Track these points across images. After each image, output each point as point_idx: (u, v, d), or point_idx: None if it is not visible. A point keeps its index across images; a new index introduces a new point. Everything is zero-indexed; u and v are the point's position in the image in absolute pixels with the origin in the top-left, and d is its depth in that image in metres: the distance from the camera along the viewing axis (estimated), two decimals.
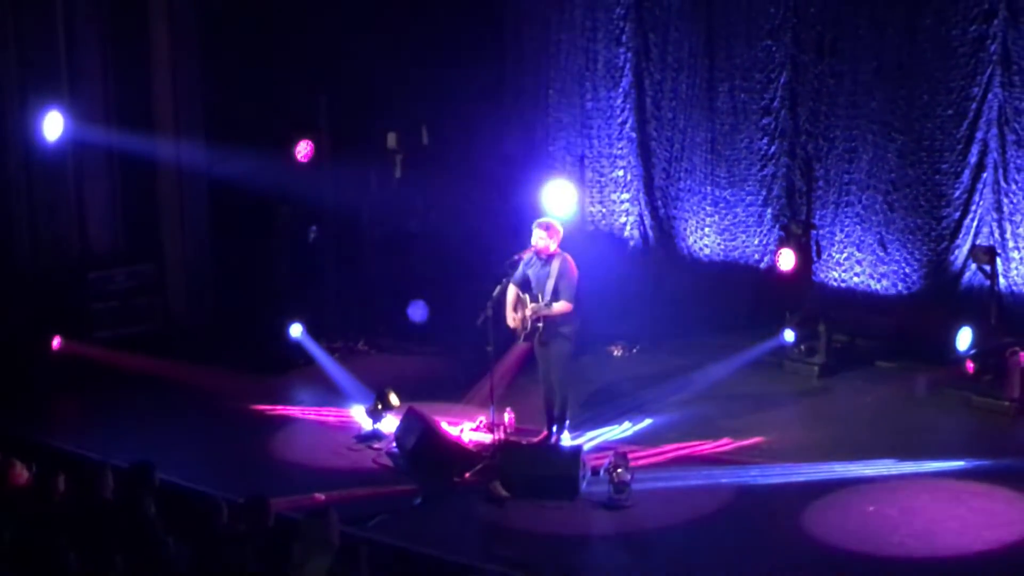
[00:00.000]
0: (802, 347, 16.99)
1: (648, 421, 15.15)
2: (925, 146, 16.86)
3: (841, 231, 17.63)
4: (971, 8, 16.30)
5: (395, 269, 19.39)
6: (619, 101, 19.46)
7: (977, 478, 13.38)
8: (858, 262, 17.52)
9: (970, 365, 15.50)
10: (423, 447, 13.96)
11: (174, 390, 16.46)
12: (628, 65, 19.29)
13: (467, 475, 13.63)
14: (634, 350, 18.01)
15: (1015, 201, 16.29)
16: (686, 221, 19.10)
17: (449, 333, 17.68)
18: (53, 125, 17.45)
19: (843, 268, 17.66)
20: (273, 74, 18.77)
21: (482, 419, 14.77)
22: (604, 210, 19.76)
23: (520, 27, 20.09)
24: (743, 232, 18.54)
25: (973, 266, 16.43)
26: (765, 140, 18.16)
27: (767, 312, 17.46)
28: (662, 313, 18.43)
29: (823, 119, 17.71)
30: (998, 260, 16.14)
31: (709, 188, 18.80)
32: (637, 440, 14.60)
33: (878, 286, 17.40)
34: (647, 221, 19.46)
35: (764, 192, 18.27)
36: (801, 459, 14.03)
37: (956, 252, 16.78)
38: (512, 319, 14.13)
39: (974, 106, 16.44)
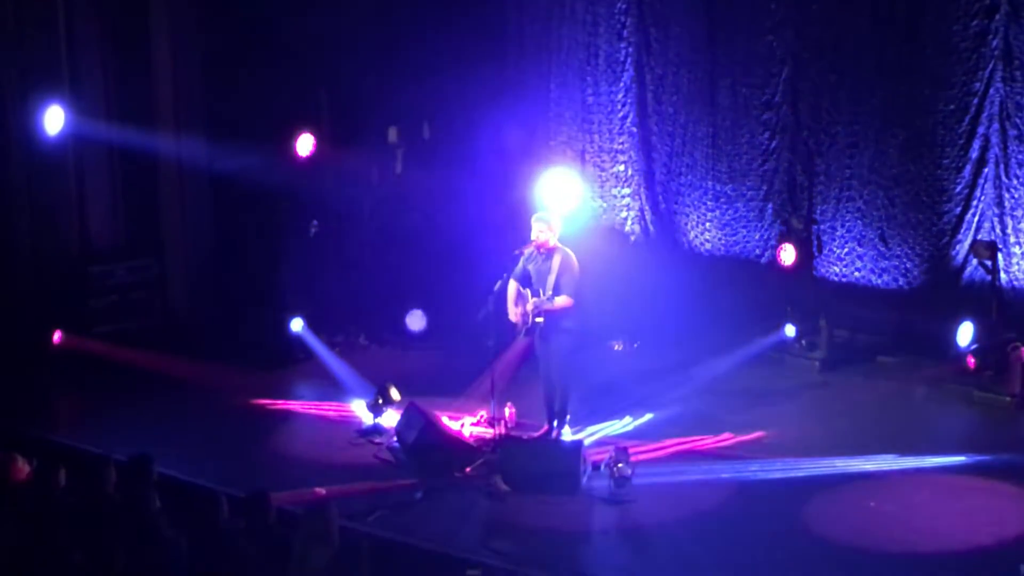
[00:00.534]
0: (803, 342, 17.00)
1: (649, 416, 15.15)
2: (926, 141, 16.85)
3: (842, 226, 17.62)
4: (972, 3, 16.27)
5: (396, 264, 19.37)
6: (620, 96, 19.44)
7: (978, 473, 13.39)
8: (859, 257, 17.52)
9: (971, 360, 15.51)
10: (424, 442, 13.95)
11: (174, 385, 16.45)
12: (629, 60, 19.28)
13: (468, 470, 13.64)
14: (635, 345, 18.02)
15: (1016, 196, 16.28)
16: (687, 216, 19.09)
17: (450, 328, 17.70)
18: (54, 120, 17.45)
19: (844, 263, 17.65)
20: (274, 69, 18.74)
21: (483, 414, 14.79)
22: (605, 205, 19.75)
23: (522, 21, 20.08)
24: (744, 227, 18.53)
25: (974, 261, 16.42)
26: (766, 135, 18.15)
27: (768, 307, 17.45)
28: (663, 308, 18.39)
29: (824, 114, 17.69)
30: (999, 255, 16.13)
31: (710, 183, 18.79)
32: (638, 435, 14.61)
33: (879, 281, 17.40)
34: (648, 216, 19.45)
35: (765, 187, 18.26)
36: (802, 454, 14.04)
37: (957, 247, 16.77)
38: (513, 314, 14.13)
39: (975, 101, 16.43)
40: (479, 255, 17.01)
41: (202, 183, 19.15)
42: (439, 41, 19.43)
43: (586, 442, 13.97)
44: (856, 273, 17.57)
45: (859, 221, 17.47)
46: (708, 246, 18.88)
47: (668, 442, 14.35)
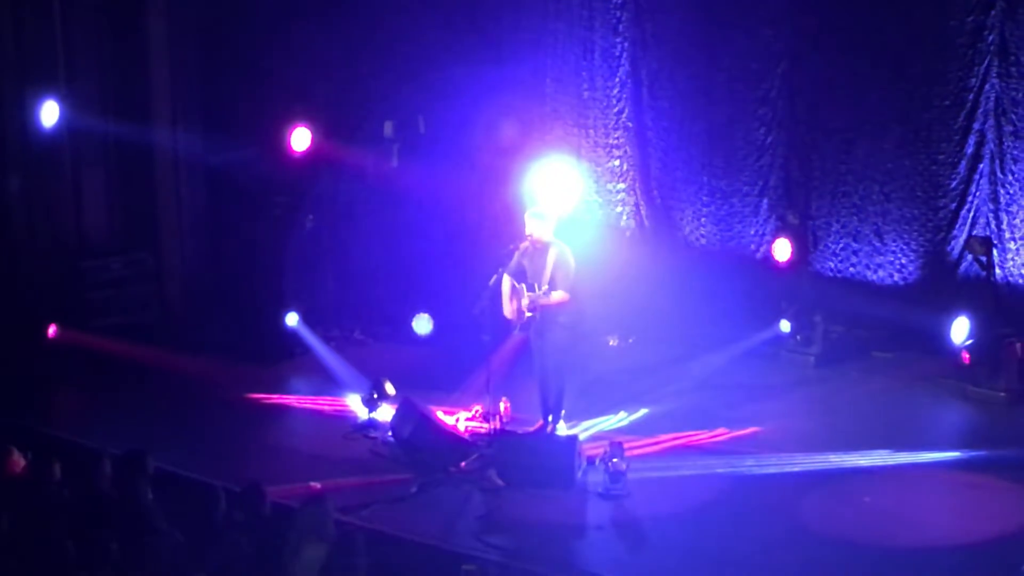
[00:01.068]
0: (798, 337, 17.02)
1: (644, 411, 15.16)
2: (922, 136, 16.85)
3: (838, 221, 17.62)
4: None
5: (392, 259, 19.36)
6: (616, 91, 19.43)
7: (973, 468, 13.42)
8: (854, 252, 17.53)
9: (966, 355, 15.53)
10: (419, 436, 13.96)
11: (170, 379, 16.45)
12: (625, 54, 19.27)
13: (463, 465, 13.64)
14: (630, 340, 18.03)
15: (1011, 192, 16.29)
16: (683, 211, 19.08)
17: (445, 323, 17.71)
18: (49, 114, 17.43)
19: (840, 258, 17.66)
20: (270, 63, 18.73)
21: (478, 409, 14.79)
22: (600, 200, 19.74)
23: (517, 16, 20.05)
24: (740, 222, 18.52)
25: (969, 257, 16.43)
26: (762, 130, 18.15)
27: (763, 302, 17.45)
28: (658, 303, 18.40)
29: (820, 109, 17.69)
30: (994, 251, 16.14)
31: (706, 178, 18.79)
32: (633, 430, 14.63)
33: (874, 276, 17.40)
34: (643, 211, 19.45)
35: (761, 182, 18.26)
36: (797, 449, 14.07)
37: (953, 242, 16.78)
38: (508, 308, 14.13)
39: (971, 97, 16.43)
40: (474, 250, 17.03)
41: (198, 177, 19.14)
42: (435, 35, 19.42)
43: (581, 437, 13.98)
44: (851, 268, 17.58)
45: (854, 216, 17.48)
46: (704, 241, 18.88)
47: (663, 437, 14.37)
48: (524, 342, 14.63)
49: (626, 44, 19.20)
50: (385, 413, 14.89)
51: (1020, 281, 16.29)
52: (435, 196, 18.95)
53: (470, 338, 14.77)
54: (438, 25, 19.44)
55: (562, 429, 14.29)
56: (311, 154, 18.36)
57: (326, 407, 15.74)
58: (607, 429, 14.65)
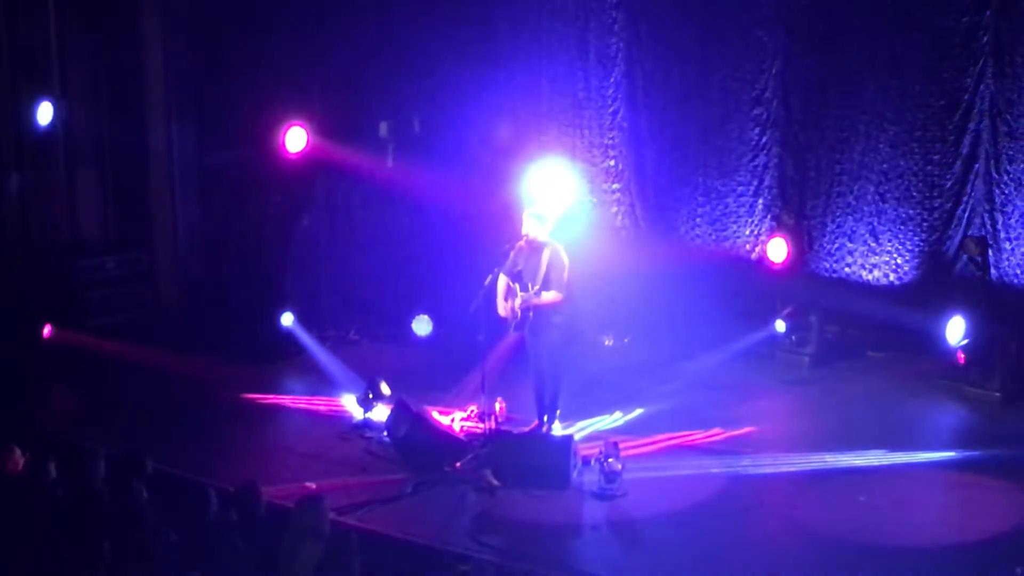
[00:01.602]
0: (793, 337, 17.03)
1: (639, 411, 15.17)
2: (917, 136, 16.87)
3: (833, 221, 17.63)
4: None
5: (387, 259, 19.36)
6: (611, 91, 19.44)
7: (968, 468, 13.43)
8: (850, 252, 17.54)
9: (961, 355, 15.53)
10: (414, 436, 13.96)
11: (165, 378, 16.44)
12: (620, 55, 19.27)
13: (458, 464, 13.63)
14: (625, 340, 18.04)
15: (1007, 192, 16.30)
16: (678, 211, 19.08)
17: (440, 323, 17.72)
18: (44, 114, 17.41)
19: (835, 258, 17.66)
20: (265, 63, 18.72)
21: (473, 408, 14.79)
22: (596, 200, 19.74)
23: (512, 16, 20.04)
24: (734, 222, 18.54)
25: (964, 257, 16.43)
26: (757, 130, 18.16)
27: (759, 302, 17.45)
28: (653, 303, 18.42)
29: (815, 109, 17.71)
30: (989, 251, 16.14)
31: (701, 178, 18.80)
32: (628, 430, 14.63)
33: (870, 276, 17.41)
34: (638, 211, 19.45)
35: (755, 182, 18.27)
36: (792, 449, 14.09)
37: (948, 243, 16.80)
38: (503, 308, 14.12)
39: (966, 97, 16.45)
40: (469, 250, 17.03)
41: (192, 176, 19.13)
42: (430, 36, 19.41)
43: (576, 437, 13.98)
44: (846, 268, 17.59)
45: (849, 216, 17.49)
46: (699, 241, 18.88)
47: (658, 437, 14.37)
48: (519, 342, 14.63)
49: (621, 45, 19.20)
50: (380, 413, 14.90)
51: (1015, 281, 16.31)
52: (430, 196, 18.95)
53: (465, 338, 14.76)
54: (433, 26, 19.43)
55: (557, 429, 14.30)
56: (306, 154, 18.35)
57: (321, 407, 15.74)
58: (602, 429, 14.66)
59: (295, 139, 18.20)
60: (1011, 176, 16.24)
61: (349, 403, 15.44)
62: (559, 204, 16.13)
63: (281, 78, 18.73)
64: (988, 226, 16.45)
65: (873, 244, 17.34)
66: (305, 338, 17.75)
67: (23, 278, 17.65)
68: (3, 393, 15.68)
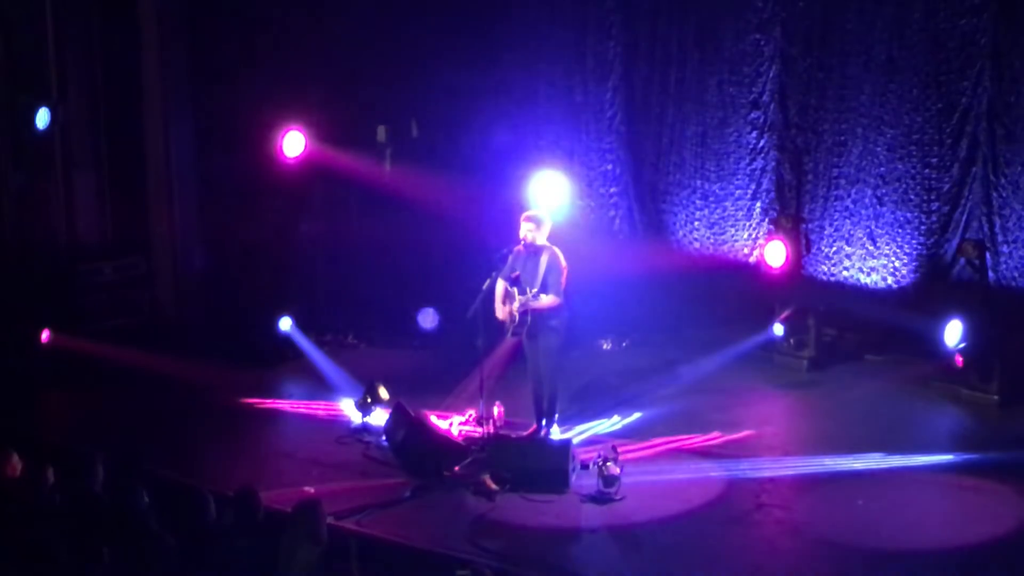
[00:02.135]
0: (791, 341, 17.02)
1: (638, 415, 15.16)
2: (915, 140, 16.88)
3: (830, 225, 17.65)
4: (961, 1, 16.31)
5: (384, 263, 19.37)
6: (608, 95, 19.48)
7: (965, 471, 13.40)
8: (847, 256, 17.55)
9: (959, 359, 15.52)
10: (412, 441, 13.95)
11: (163, 383, 16.41)
12: (617, 59, 19.30)
13: (456, 469, 13.61)
14: (624, 344, 18.03)
15: (1004, 195, 16.30)
16: (675, 215, 19.11)
17: (438, 327, 17.72)
18: (41, 118, 17.40)
19: (832, 262, 17.68)
20: (263, 68, 18.72)
21: (471, 413, 14.78)
22: (593, 204, 19.76)
23: (510, 21, 20.07)
24: (732, 226, 18.55)
25: (962, 260, 16.42)
26: (754, 134, 18.18)
27: (756, 306, 17.46)
28: (651, 307, 18.44)
29: (812, 113, 17.74)
30: (987, 254, 16.14)
31: (698, 182, 18.82)
32: (627, 433, 14.61)
33: (867, 280, 17.43)
34: (636, 215, 19.48)
35: (753, 186, 18.29)
36: (790, 452, 14.10)
37: (946, 246, 16.80)
38: (501, 311, 14.11)
39: (964, 100, 16.46)
40: (467, 254, 17.02)
41: (190, 182, 19.12)
42: (428, 40, 19.43)
43: (575, 441, 13.96)
44: (844, 272, 17.60)
45: (847, 220, 17.51)
46: (696, 245, 18.91)
47: (656, 441, 14.35)
48: (517, 346, 14.62)
49: (619, 49, 19.24)
50: (379, 417, 14.88)
51: (1013, 284, 16.31)
52: (428, 201, 18.95)
53: (463, 342, 14.75)
54: (431, 30, 19.45)
55: (556, 433, 14.29)
56: (304, 159, 18.36)
57: (319, 411, 15.73)
58: (601, 433, 14.64)
59: (293, 144, 18.21)
60: (1009, 179, 16.24)
61: (347, 407, 15.43)
62: (556, 208, 16.15)
63: (279, 83, 18.74)
64: (986, 229, 16.45)
65: (871, 247, 17.35)
66: (303, 342, 17.75)
67: (21, 283, 17.62)
68: (1, 399, 15.67)
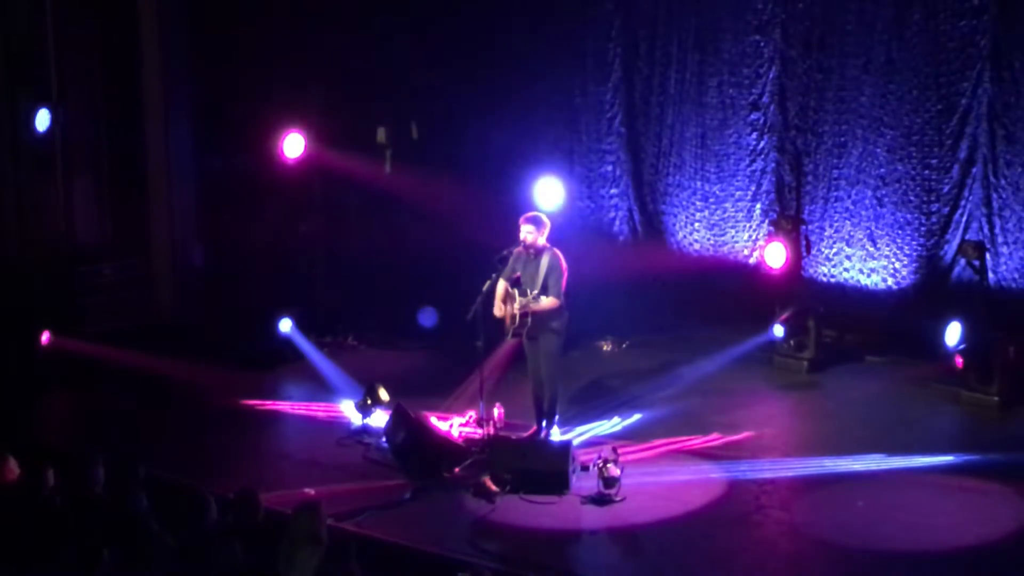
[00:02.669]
0: (791, 342, 17.00)
1: (638, 416, 15.15)
2: (914, 141, 16.88)
3: (830, 226, 17.66)
4: (961, 3, 16.31)
5: (385, 264, 19.37)
6: (608, 96, 19.49)
7: (966, 473, 13.40)
8: (847, 257, 17.55)
9: (959, 360, 15.51)
10: (412, 442, 13.95)
11: (164, 385, 16.42)
12: (617, 60, 19.31)
13: (456, 470, 13.61)
14: (624, 345, 18.03)
15: (1004, 196, 16.31)
16: (675, 216, 19.12)
17: (438, 328, 17.72)
18: (42, 119, 17.40)
19: (832, 263, 17.68)
20: (262, 68, 18.72)
21: (471, 414, 14.78)
22: (593, 205, 19.77)
23: (510, 22, 20.07)
24: (732, 227, 18.56)
25: (962, 261, 16.42)
26: (754, 135, 18.19)
27: (756, 307, 17.44)
28: (651, 308, 18.45)
29: (812, 114, 17.75)
30: (987, 255, 16.13)
31: (698, 183, 18.83)
32: (627, 435, 14.61)
33: (867, 281, 17.43)
34: (636, 216, 19.48)
35: (753, 187, 18.30)
36: (791, 454, 14.09)
37: (946, 247, 16.81)
38: (499, 309, 14.09)
39: (964, 101, 16.46)
40: (467, 255, 17.01)
41: (190, 183, 19.13)
42: (428, 41, 19.45)
43: (575, 442, 13.95)
44: (844, 273, 17.61)
45: (847, 221, 17.51)
46: (696, 246, 18.92)
47: (656, 442, 14.34)
48: (517, 348, 14.62)
49: (618, 50, 19.25)
50: (379, 419, 14.87)
51: (1013, 285, 16.32)
52: (428, 202, 18.96)
53: (463, 344, 14.74)
54: (430, 31, 19.47)
55: (556, 434, 14.29)
56: (304, 160, 18.36)
57: (319, 413, 15.72)
58: (601, 434, 14.64)
59: (293, 145, 18.21)
60: (1009, 180, 16.25)
61: (347, 409, 15.43)
62: (555, 209, 16.16)
63: (279, 84, 18.74)
64: (986, 230, 16.45)
65: (871, 249, 17.35)
66: (303, 344, 17.75)
67: (20, 284, 17.62)
68: (1, 400, 15.67)
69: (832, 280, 17.70)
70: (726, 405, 15.59)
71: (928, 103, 16.72)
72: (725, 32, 18.37)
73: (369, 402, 15.09)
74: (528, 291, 13.85)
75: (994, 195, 16.38)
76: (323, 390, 16.34)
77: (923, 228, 16.97)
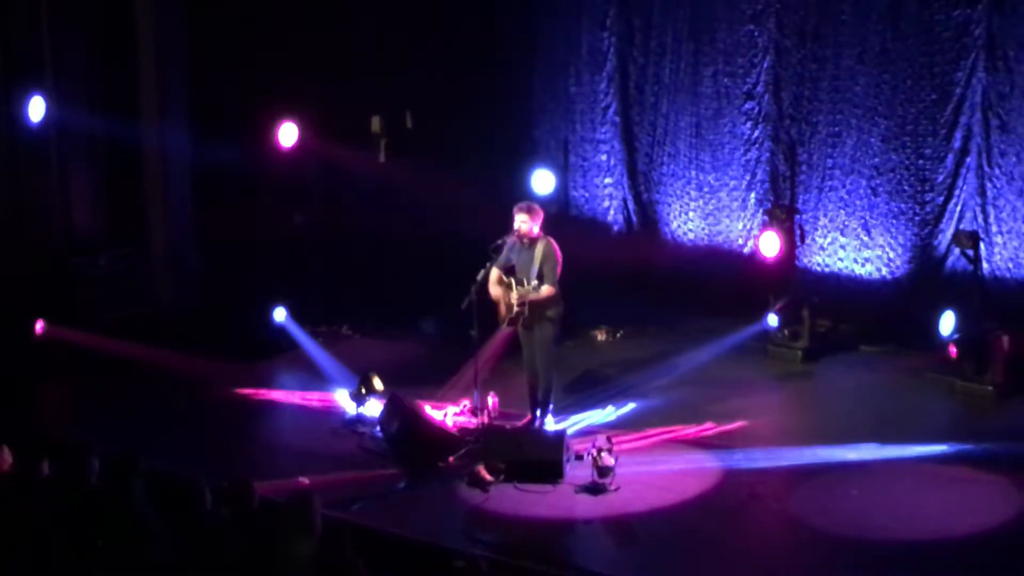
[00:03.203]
0: (786, 332, 17.01)
1: (632, 405, 15.16)
2: (909, 131, 16.90)
3: (825, 215, 17.67)
4: None
5: (379, 254, 19.37)
6: (602, 86, 19.49)
7: (960, 462, 13.41)
8: (842, 247, 17.57)
9: (953, 350, 15.53)
10: (407, 432, 13.96)
11: (158, 375, 16.42)
12: (611, 50, 19.32)
13: (451, 459, 13.63)
14: (618, 335, 18.04)
15: (998, 186, 16.33)
16: (669, 206, 19.13)
17: (433, 318, 17.74)
18: (36, 110, 17.38)
19: (827, 253, 17.70)
20: (257, 59, 18.70)
21: (466, 403, 14.80)
22: (587, 194, 19.78)
23: (505, 11, 20.07)
24: (727, 217, 18.57)
25: (956, 251, 16.43)
26: (748, 125, 18.20)
27: (751, 297, 17.44)
28: (646, 298, 18.47)
29: (806, 104, 17.76)
30: (981, 245, 16.13)
31: (693, 172, 18.84)
32: (621, 424, 14.62)
33: (862, 271, 17.44)
34: (631, 206, 19.49)
35: (747, 176, 18.31)
36: (785, 443, 14.08)
37: (940, 237, 16.83)
38: (495, 290, 14.07)
39: (958, 91, 16.48)
40: (462, 244, 17.01)
41: (185, 173, 19.10)
42: (422, 31, 19.44)
43: (569, 431, 13.97)
44: (839, 263, 17.62)
45: (841, 210, 17.53)
46: (691, 235, 18.93)
47: (651, 431, 14.36)
48: (512, 337, 14.63)
49: (613, 39, 19.26)
50: (373, 408, 14.90)
51: (1007, 275, 16.34)
52: (422, 191, 18.95)
53: (458, 333, 14.75)
54: (425, 20, 19.45)
55: (550, 424, 14.30)
56: (298, 150, 18.36)
57: (314, 402, 15.74)
58: (595, 423, 14.65)
59: (287, 135, 18.21)
60: (1003, 170, 16.27)
61: (342, 398, 15.44)
62: (550, 199, 16.16)
63: (274, 74, 18.71)
64: (980, 220, 16.48)
65: (865, 238, 17.37)
66: (298, 333, 17.75)
67: (16, 275, 17.60)
68: None
69: (826, 270, 17.72)
70: (720, 394, 15.60)
71: (922, 93, 16.73)
72: (720, 21, 18.37)
73: (364, 391, 15.11)
74: (524, 280, 13.86)
75: (988, 184, 16.40)
76: (318, 379, 16.36)
77: (917, 218, 16.99)
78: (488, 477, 13.14)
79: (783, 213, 17.33)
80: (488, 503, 12.80)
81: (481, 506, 12.75)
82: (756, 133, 18.14)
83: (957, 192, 16.65)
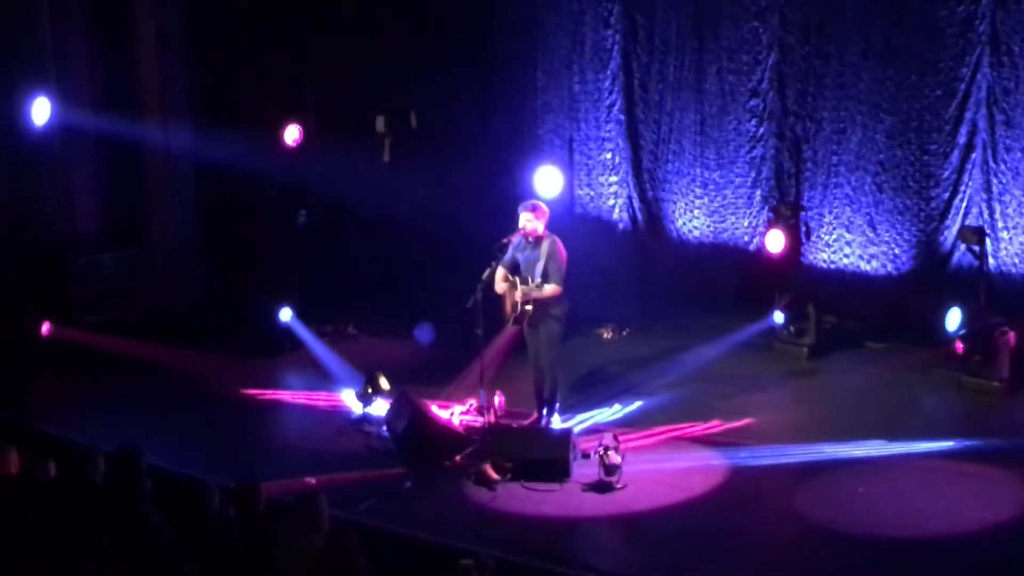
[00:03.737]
0: (791, 328, 16.99)
1: (638, 403, 15.15)
2: (914, 127, 16.86)
3: (830, 212, 17.64)
4: None
5: (384, 253, 19.37)
6: (607, 83, 19.44)
7: (967, 458, 13.41)
8: (847, 243, 17.54)
9: (959, 345, 15.51)
10: (413, 431, 13.96)
11: (163, 374, 16.43)
12: (616, 47, 19.28)
13: (457, 458, 13.62)
14: (624, 333, 18.01)
15: (1004, 181, 16.30)
16: (674, 203, 19.10)
17: (439, 317, 17.72)
18: (40, 110, 17.38)
19: (832, 249, 17.66)
20: (260, 57, 18.70)
21: (472, 402, 14.79)
22: (592, 193, 19.75)
23: (508, 9, 20.05)
24: (732, 214, 18.54)
25: (962, 247, 16.41)
26: (753, 122, 18.16)
27: (756, 294, 17.45)
28: (651, 295, 18.45)
29: (811, 100, 17.71)
30: (987, 240, 16.11)
31: (698, 170, 18.81)
32: (627, 422, 14.61)
33: (867, 267, 17.42)
34: (635, 203, 19.46)
35: (753, 174, 18.28)
36: (791, 440, 14.06)
37: (945, 232, 16.79)
38: (500, 287, 14.06)
39: (963, 86, 16.44)
40: (467, 244, 17.00)
41: (188, 172, 19.10)
42: (426, 29, 19.42)
43: (576, 430, 13.97)
44: (844, 259, 17.59)
45: (847, 207, 17.50)
46: (696, 233, 18.90)
47: (657, 429, 14.35)
48: (517, 335, 14.63)
49: (617, 37, 19.22)
50: (379, 408, 14.89)
51: (1013, 271, 16.31)
52: (427, 190, 18.94)
53: (464, 332, 14.74)
54: (428, 19, 19.43)
55: (557, 422, 14.30)
56: (302, 149, 18.34)
57: (320, 402, 15.73)
58: (602, 422, 14.64)
59: (291, 134, 18.20)
60: (1008, 165, 16.24)
61: (348, 398, 15.44)
62: (553, 196, 16.14)
63: (277, 73, 18.72)
64: (986, 215, 16.44)
65: (871, 234, 17.34)
66: (303, 333, 17.73)
67: (19, 274, 17.62)
68: (1, 390, 15.67)
69: (832, 266, 17.68)
70: (726, 392, 15.59)
71: (927, 89, 16.70)
72: (724, 19, 18.33)
73: (370, 391, 15.10)
74: (529, 279, 13.86)
75: (994, 180, 16.37)
76: (324, 379, 16.35)
77: (923, 214, 16.95)
78: (495, 476, 13.14)
79: (788, 210, 17.32)
80: (495, 502, 12.81)
81: (488, 505, 12.76)
82: (761, 130, 18.11)
83: (963, 188, 16.62)
